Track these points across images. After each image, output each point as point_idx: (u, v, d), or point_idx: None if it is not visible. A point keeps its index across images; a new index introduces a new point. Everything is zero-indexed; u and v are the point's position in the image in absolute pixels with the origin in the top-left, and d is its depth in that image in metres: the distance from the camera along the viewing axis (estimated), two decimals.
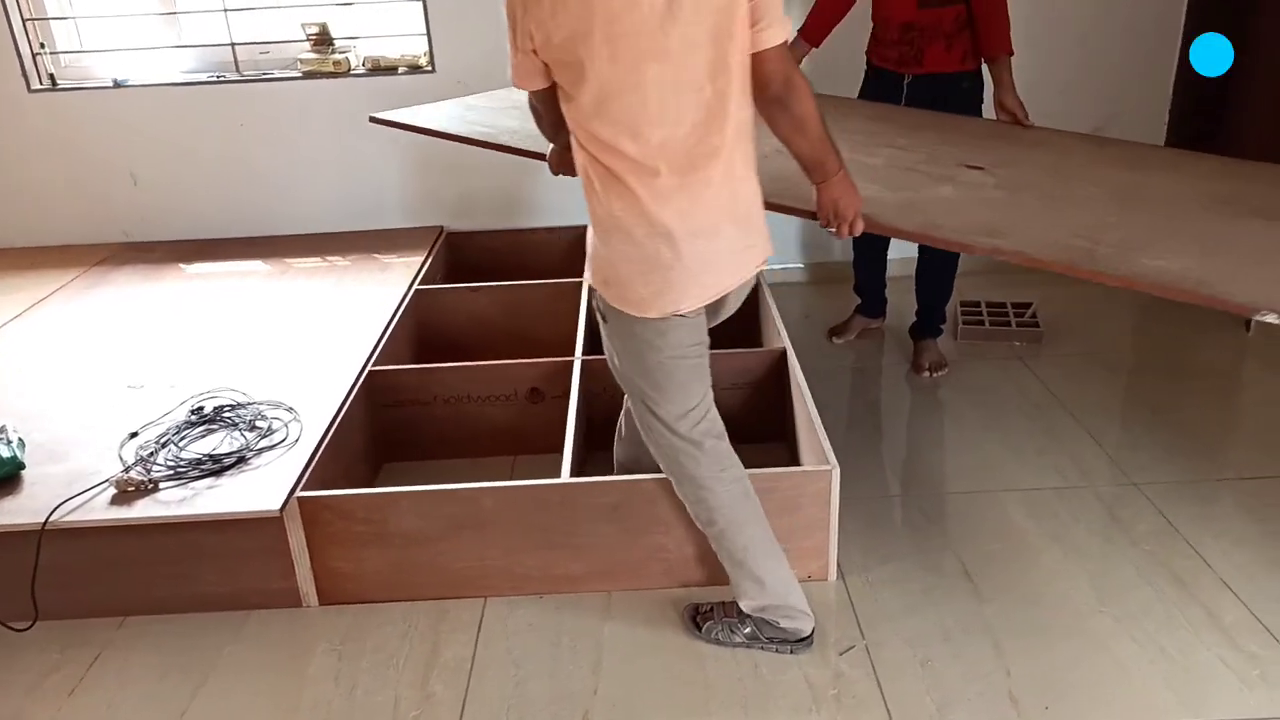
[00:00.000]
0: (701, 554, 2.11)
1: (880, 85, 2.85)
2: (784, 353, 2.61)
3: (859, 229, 1.83)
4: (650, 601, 2.11)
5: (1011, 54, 2.66)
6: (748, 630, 1.95)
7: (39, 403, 2.52)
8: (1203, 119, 3.55)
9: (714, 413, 1.91)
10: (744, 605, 1.95)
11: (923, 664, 1.90)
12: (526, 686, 1.90)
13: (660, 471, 1.97)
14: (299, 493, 2.07)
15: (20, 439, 2.27)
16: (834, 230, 1.84)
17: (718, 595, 2.09)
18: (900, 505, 2.42)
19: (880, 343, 3.31)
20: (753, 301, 3.04)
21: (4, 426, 2.31)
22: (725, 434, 1.93)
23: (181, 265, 3.57)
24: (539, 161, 2.11)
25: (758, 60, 1.65)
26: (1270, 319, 1.46)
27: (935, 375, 3.03)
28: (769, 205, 1.84)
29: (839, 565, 2.17)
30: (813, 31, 2.90)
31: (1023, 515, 2.34)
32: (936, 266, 3.02)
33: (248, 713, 1.87)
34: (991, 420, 2.77)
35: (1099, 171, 2.20)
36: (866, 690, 1.84)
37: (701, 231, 1.67)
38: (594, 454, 2.62)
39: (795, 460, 2.43)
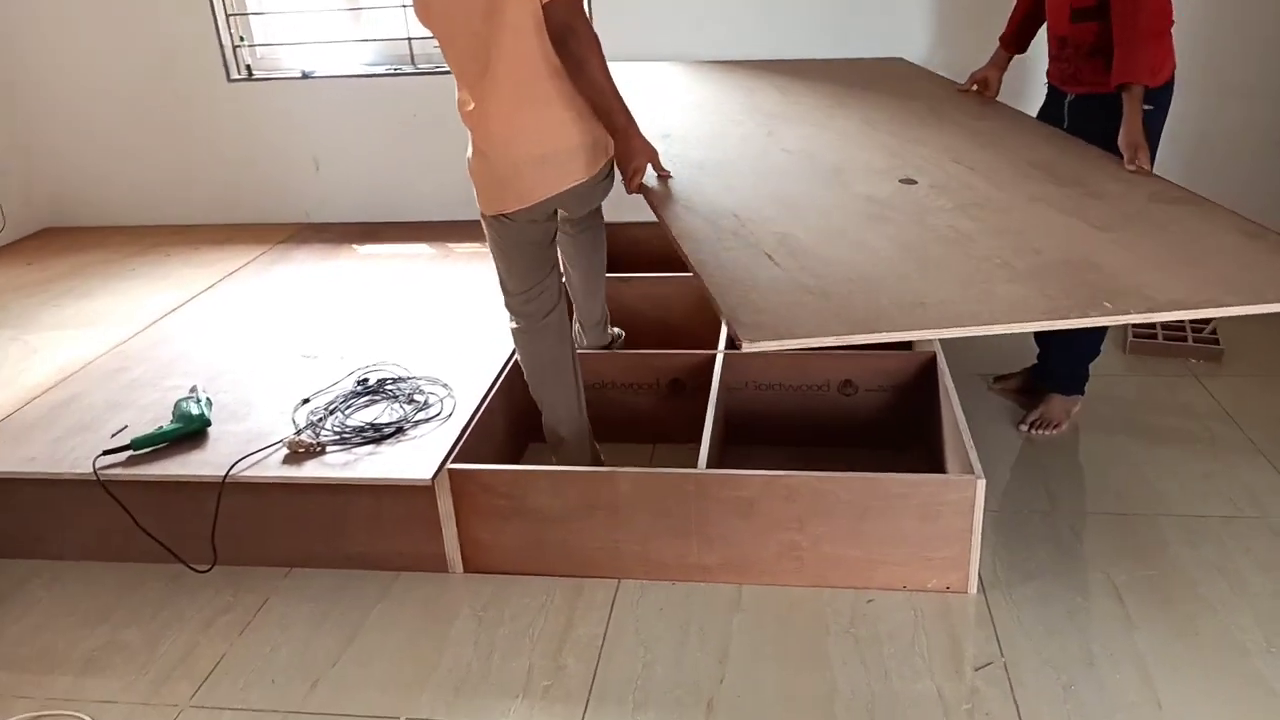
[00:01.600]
0: (839, 555, 2.10)
1: (1049, 104, 2.63)
2: (934, 357, 2.55)
3: (635, 184, 2.07)
4: (781, 598, 2.11)
5: (1144, 83, 2.25)
6: None
7: (226, 366, 2.75)
8: None
9: (547, 295, 2.29)
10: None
11: (1065, 688, 1.83)
12: (654, 669, 1.94)
13: None
14: (449, 465, 2.19)
15: (208, 398, 2.49)
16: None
17: (851, 599, 2.08)
18: (1048, 521, 2.32)
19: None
20: None
21: (195, 387, 2.54)
22: (554, 311, 2.31)
23: (354, 246, 3.80)
24: None
25: (543, 10, 1.95)
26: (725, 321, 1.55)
27: (1035, 432, 2.68)
28: None
29: (980, 578, 2.11)
30: (1010, 37, 2.74)
31: (1182, 542, 2.20)
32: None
33: (391, 668, 1.99)
34: (1155, 440, 2.62)
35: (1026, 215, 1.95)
36: (1002, 709, 1.79)
37: (493, 151, 2.10)
38: (731, 448, 2.64)
39: (939, 468, 2.37)
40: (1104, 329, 2.68)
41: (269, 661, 2.03)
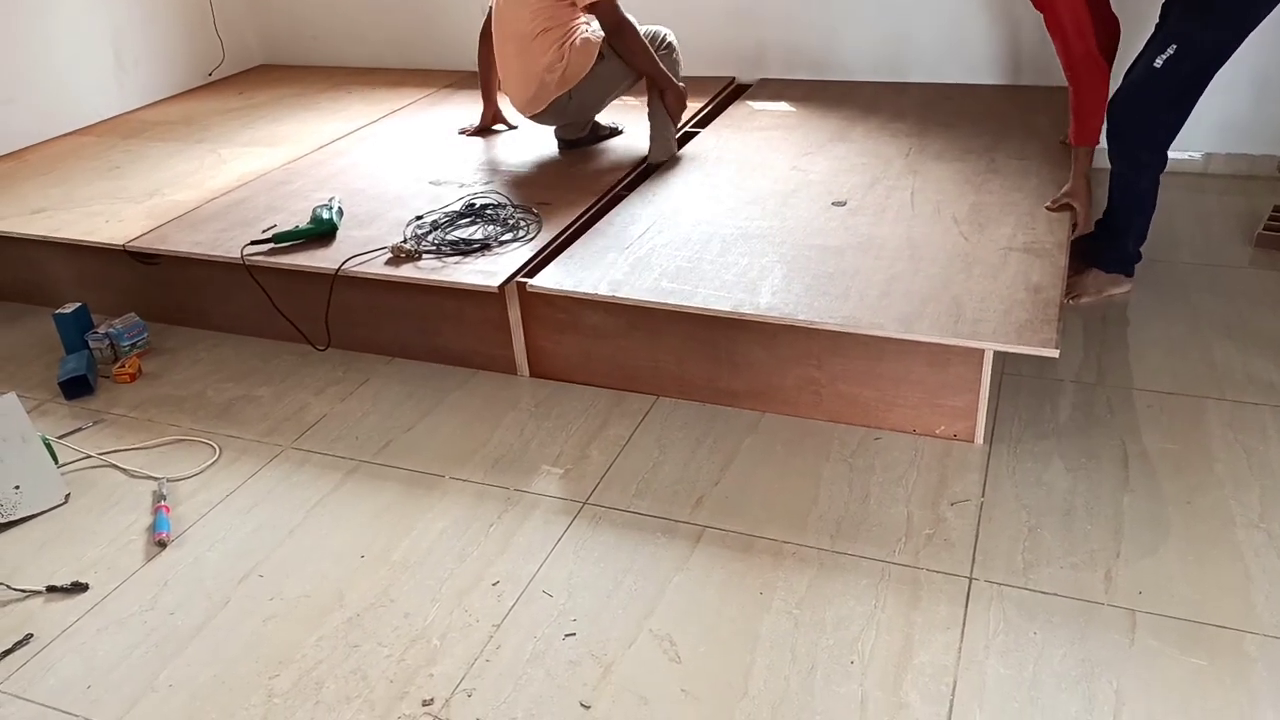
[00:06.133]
0: (854, 394, 2.23)
1: None
2: None
3: (678, 115, 3.07)
4: (796, 427, 2.28)
5: (1090, 145, 2.53)
6: None
7: (366, 185, 3.15)
8: None
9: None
10: None
11: (1030, 529, 1.91)
12: (662, 468, 2.18)
13: None
14: (518, 278, 2.47)
15: (340, 209, 2.88)
16: None
17: (861, 435, 2.21)
18: (1087, 392, 2.32)
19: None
20: None
21: (333, 197, 2.94)
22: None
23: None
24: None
25: (592, 9, 2.88)
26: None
27: (1070, 301, 2.67)
28: None
29: (991, 432, 2.18)
30: (1084, 134, 2.54)
31: (1222, 424, 2.16)
32: (1119, 183, 2.60)
33: (449, 442, 2.34)
34: (1240, 328, 2.50)
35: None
36: (961, 537, 1.90)
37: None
38: None
39: None
40: (1145, 214, 2.63)
41: (358, 424, 2.44)
